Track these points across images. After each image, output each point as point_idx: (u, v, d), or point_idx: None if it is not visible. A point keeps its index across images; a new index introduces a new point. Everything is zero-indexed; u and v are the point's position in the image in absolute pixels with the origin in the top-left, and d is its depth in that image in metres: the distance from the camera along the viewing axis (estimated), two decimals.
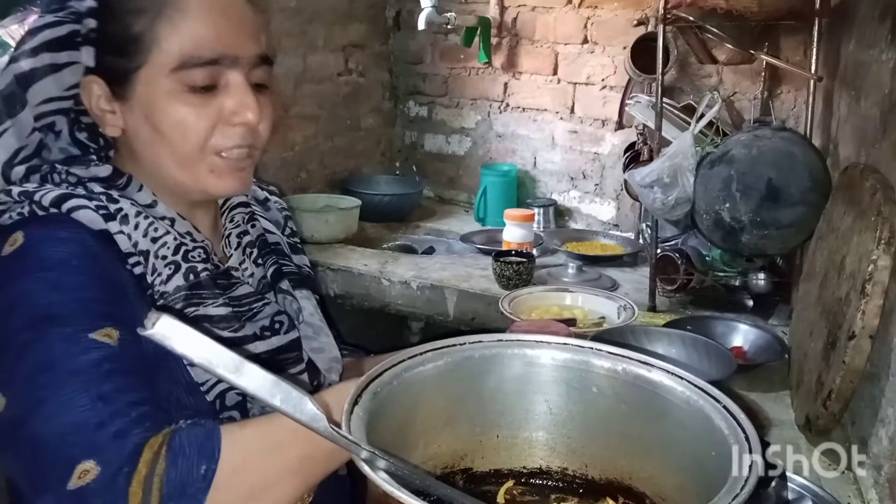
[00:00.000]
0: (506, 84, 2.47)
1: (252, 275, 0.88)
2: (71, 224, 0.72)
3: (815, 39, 1.56)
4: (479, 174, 2.41)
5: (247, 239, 0.89)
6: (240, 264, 0.87)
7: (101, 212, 0.73)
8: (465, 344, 0.74)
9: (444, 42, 2.54)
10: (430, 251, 2.22)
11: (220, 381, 0.75)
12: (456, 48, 2.49)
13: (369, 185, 2.44)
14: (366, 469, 0.52)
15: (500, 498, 0.74)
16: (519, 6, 2.38)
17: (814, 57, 1.57)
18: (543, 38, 2.35)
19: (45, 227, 0.72)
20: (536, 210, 2.22)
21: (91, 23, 0.75)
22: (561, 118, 2.38)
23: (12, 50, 0.79)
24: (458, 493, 0.58)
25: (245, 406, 0.76)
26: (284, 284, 0.90)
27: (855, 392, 1.00)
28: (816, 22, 1.55)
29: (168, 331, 0.47)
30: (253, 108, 0.76)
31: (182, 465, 0.61)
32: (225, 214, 0.89)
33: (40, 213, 0.73)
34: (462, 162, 2.63)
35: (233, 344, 0.77)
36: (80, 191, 0.75)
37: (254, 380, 0.48)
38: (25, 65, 0.75)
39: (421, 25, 2.26)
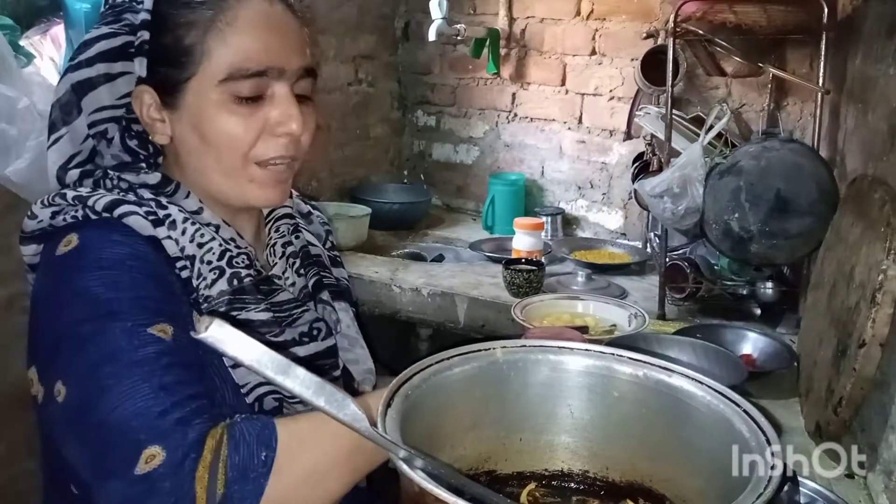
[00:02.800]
0: (514, 94, 2.50)
1: (294, 284, 0.90)
2: (122, 228, 0.75)
3: (822, 53, 1.59)
4: (486, 183, 2.43)
5: (290, 249, 0.91)
6: (283, 273, 0.89)
7: (151, 217, 0.76)
8: (490, 349, 0.76)
9: (453, 53, 2.58)
10: (439, 259, 2.24)
11: (259, 384, 0.77)
12: (464, 59, 2.52)
13: (378, 194, 2.47)
14: (404, 468, 0.54)
15: (524, 499, 0.75)
16: (528, 18, 2.41)
17: (821, 70, 1.59)
18: (552, 49, 2.38)
19: (98, 230, 0.75)
20: (544, 219, 2.25)
21: (144, 34, 0.77)
22: (569, 128, 2.41)
23: (68, 60, 0.82)
24: (491, 492, 0.60)
25: (281, 410, 0.79)
26: (325, 295, 0.92)
27: (865, 399, 1.02)
28: (823, 36, 1.58)
29: (220, 334, 0.49)
30: (297, 118, 0.78)
31: (244, 452, 0.64)
32: (270, 224, 0.92)
33: (93, 216, 0.75)
34: (470, 171, 2.66)
35: (274, 348, 0.79)
36: (131, 197, 0.78)
37: (300, 382, 0.51)
38: (82, 74, 0.78)
39: (431, 37, 2.29)
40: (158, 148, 0.82)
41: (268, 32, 0.78)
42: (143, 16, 0.77)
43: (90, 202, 0.75)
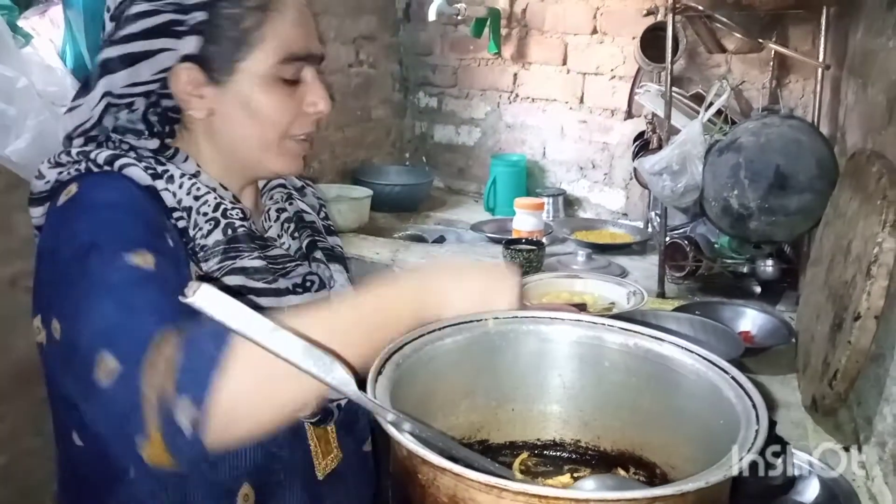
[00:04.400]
0: (515, 74, 2.49)
1: (288, 247, 0.93)
2: (121, 178, 0.79)
3: (823, 28, 1.58)
4: (488, 164, 2.43)
5: (284, 215, 0.95)
6: (277, 237, 0.93)
7: (149, 171, 0.80)
8: (482, 320, 0.76)
9: (454, 33, 2.57)
10: (440, 240, 2.25)
11: None
12: (465, 39, 2.51)
13: (380, 176, 2.47)
14: (392, 430, 0.55)
15: (515, 468, 0.76)
16: None
17: (822, 46, 1.58)
18: (553, 28, 2.37)
19: (97, 178, 0.79)
20: (546, 199, 2.25)
21: (200, 15, 0.80)
22: (570, 108, 2.40)
23: (108, 32, 0.83)
24: (480, 456, 0.61)
25: None
26: (318, 254, 0.95)
27: (860, 372, 1.03)
28: (824, 11, 1.57)
29: (207, 299, 0.49)
30: (327, 100, 0.86)
31: (194, 357, 0.63)
32: (265, 194, 0.96)
33: (95, 169, 0.79)
34: (471, 152, 2.65)
35: (268, 294, 0.83)
36: (132, 154, 0.82)
37: (288, 345, 0.51)
38: (123, 49, 0.80)
39: (432, 16, 2.28)
40: (174, 129, 0.86)
41: (305, 21, 0.85)
42: None
43: (92, 156, 0.79)
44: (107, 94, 0.81)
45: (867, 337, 1.00)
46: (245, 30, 0.81)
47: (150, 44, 0.80)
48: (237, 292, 0.80)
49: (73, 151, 0.80)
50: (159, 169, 0.81)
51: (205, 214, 0.82)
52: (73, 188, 0.78)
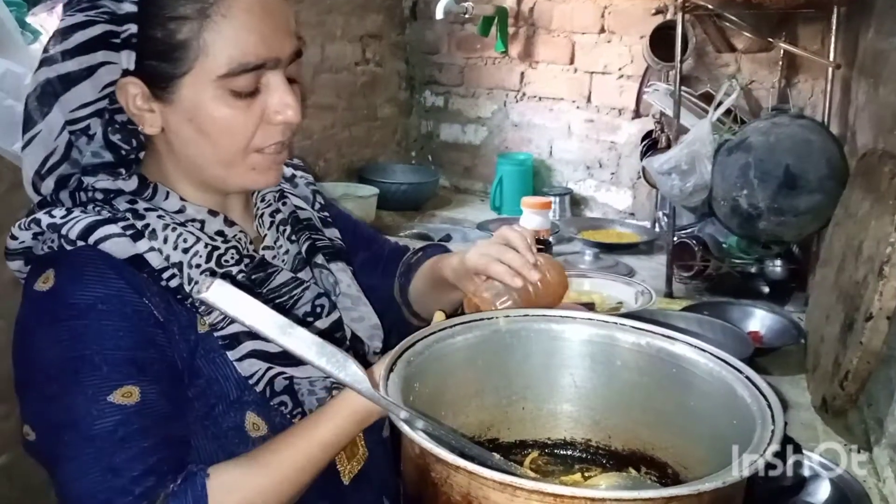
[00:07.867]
0: (522, 73, 2.49)
1: (287, 252, 0.88)
2: (97, 260, 0.73)
3: (834, 28, 1.57)
4: (494, 163, 2.43)
5: (279, 217, 0.90)
6: (275, 242, 0.88)
7: (129, 232, 0.74)
8: (493, 318, 0.76)
9: (461, 32, 2.56)
10: (446, 239, 2.24)
11: (268, 369, 0.77)
12: (472, 38, 2.51)
13: (386, 174, 2.47)
14: (405, 428, 0.55)
15: (526, 467, 0.76)
16: None
17: (832, 45, 1.58)
18: (560, 27, 2.37)
19: (71, 269, 0.73)
20: (552, 199, 2.23)
21: (132, 28, 0.72)
22: (577, 107, 2.39)
23: (43, 48, 0.76)
24: (493, 454, 0.61)
25: (293, 389, 0.79)
26: (319, 259, 0.90)
27: (871, 373, 1.02)
28: (835, 10, 1.56)
29: (221, 295, 0.49)
30: (294, 107, 0.77)
31: None
32: (255, 195, 0.90)
33: (68, 247, 0.73)
34: (478, 151, 2.65)
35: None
36: (106, 213, 0.74)
37: (301, 342, 0.51)
38: (62, 68, 0.72)
39: (439, 15, 2.28)
40: (141, 141, 0.78)
41: (263, 21, 0.74)
42: (129, 7, 0.73)
43: (64, 231, 0.73)
44: (67, 122, 0.74)
45: (879, 338, 0.99)
46: (182, 42, 0.72)
47: (89, 59, 0.72)
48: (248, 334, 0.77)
49: (44, 222, 0.73)
50: (139, 225, 0.75)
51: (198, 267, 0.76)
52: (49, 276, 0.72)
